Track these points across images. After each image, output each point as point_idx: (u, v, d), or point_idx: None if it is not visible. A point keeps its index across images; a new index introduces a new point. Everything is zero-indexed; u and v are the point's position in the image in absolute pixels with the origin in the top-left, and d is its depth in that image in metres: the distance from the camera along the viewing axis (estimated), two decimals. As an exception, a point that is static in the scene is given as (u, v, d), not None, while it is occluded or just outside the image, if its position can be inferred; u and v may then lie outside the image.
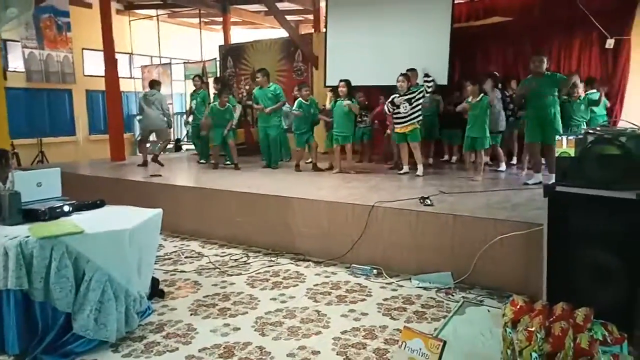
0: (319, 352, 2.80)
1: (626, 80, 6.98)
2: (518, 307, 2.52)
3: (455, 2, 7.90)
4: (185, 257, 4.74)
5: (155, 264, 3.78)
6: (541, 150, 5.45)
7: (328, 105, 6.82)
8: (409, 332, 2.34)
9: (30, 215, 3.07)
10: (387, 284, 3.90)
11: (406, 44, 7.96)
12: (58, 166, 3.86)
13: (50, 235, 2.73)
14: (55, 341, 2.74)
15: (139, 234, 3.08)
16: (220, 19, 13.00)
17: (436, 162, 7.65)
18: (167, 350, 2.85)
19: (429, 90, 6.22)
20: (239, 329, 3.12)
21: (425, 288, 3.77)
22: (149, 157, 7.84)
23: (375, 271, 4.11)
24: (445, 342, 2.22)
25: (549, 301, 2.64)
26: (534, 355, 2.08)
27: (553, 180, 2.89)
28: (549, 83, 5.30)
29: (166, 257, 4.76)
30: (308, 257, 4.59)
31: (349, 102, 6.44)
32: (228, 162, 7.79)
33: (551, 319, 2.36)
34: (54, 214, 3.13)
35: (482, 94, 5.87)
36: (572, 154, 2.77)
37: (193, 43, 13.43)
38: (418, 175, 6.14)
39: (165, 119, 8.04)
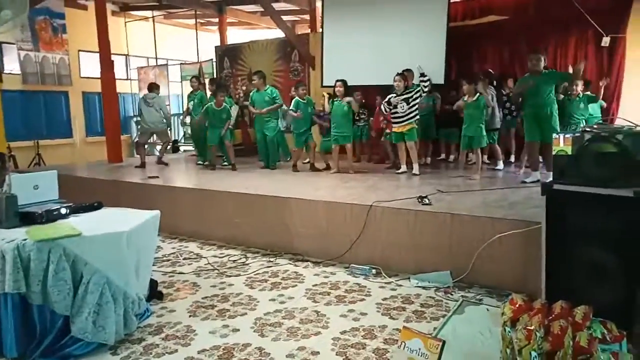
0: (318, 352, 2.79)
1: (622, 78, 7.01)
2: (517, 305, 2.53)
3: (451, 1, 7.90)
4: (184, 259, 4.73)
5: (153, 265, 3.78)
6: (540, 148, 5.46)
7: (327, 107, 6.81)
8: (408, 332, 2.34)
9: (27, 218, 3.06)
10: (386, 283, 3.90)
11: (402, 43, 7.96)
12: (55, 168, 3.85)
13: (48, 238, 2.72)
14: (54, 344, 2.73)
15: (136, 236, 3.07)
16: (216, 20, 12.98)
17: (434, 161, 7.67)
18: (166, 353, 2.84)
19: (426, 90, 6.24)
20: (238, 330, 3.12)
21: (424, 287, 3.77)
22: (147, 159, 7.82)
23: (374, 271, 4.11)
24: (444, 342, 2.22)
25: (548, 299, 2.64)
26: (534, 354, 2.08)
27: (551, 179, 2.89)
28: (547, 81, 5.31)
29: (164, 258, 4.74)
30: (307, 258, 4.59)
31: (349, 98, 6.45)
32: (225, 163, 7.78)
33: (550, 318, 2.36)
34: (51, 216, 3.12)
35: (478, 94, 5.88)
36: (570, 152, 2.78)
37: (189, 44, 13.39)
38: (414, 174, 6.15)
39: (165, 120, 8.06)
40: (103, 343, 2.82)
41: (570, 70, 6.04)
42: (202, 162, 8.20)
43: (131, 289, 3.02)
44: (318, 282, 3.98)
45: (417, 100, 6.22)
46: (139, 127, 8.94)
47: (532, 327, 2.17)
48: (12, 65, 10.78)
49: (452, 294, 3.61)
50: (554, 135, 2.91)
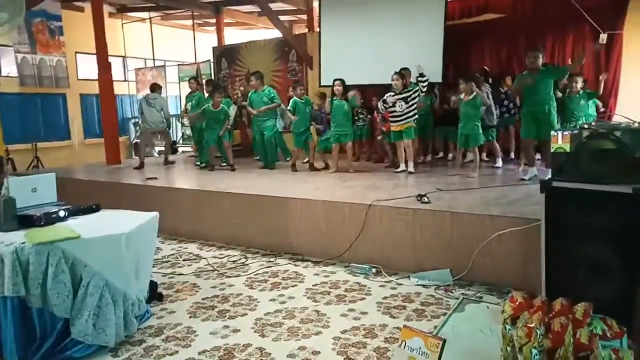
0: (319, 352, 2.79)
1: (619, 74, 7.01)
2: (517, 303, 2.52)
3: (448, -1, 7.92)
4: (184, 260, 4.72)
5: (153, 267, 3.78)
6: (537, 145, 5.47)
7: (327, 108, 6.82)
8: (409, 331, 2.33)
9: (25, 221, 3.05)
10: (386, 282, 3.90)
11: (400, 42, 7.96)
12: (53, 171, 3.85)
13: (47, 241, 2.72)
14: (54, 347, 2.73)
15: (135, 238, 3.07)
16: (214, 21, 12.95)
17: (432, 160, 7.67)
18: (167, 354, 2.84)
19: (424, 90, 6.24)
20: (238, 330, 3.12)
21: (424, 286, 3.77)
22: (146, 160, 7.81)
23: (374, 270, 4.11)
24: (445, 341, 2.21)
25: (548, 296, 2.64)
26: (534, 351, 2.08)
27: (550, 176, 2.89)
28: (545, 78, 5.31)
29: (164, 260, 4.74)
30: (306, 257, 4.59)
31: (352, 92, 6.48)
32: (224, 164, 7.78)
33: (550, 315, 2.36)
34: (49, 219, 3.11)
35: (474, 93, 5.90)
36: (568, 149, 2.78)
37: (186, 45, 13.38)
38: (410, 173, 6.15)
39: (165, 121, 8.08)
40: (103, 345, 2.82)
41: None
42: (200, 163, 8.20)
43: (131, 290, 3.02)
44: (318, 281, 3.98)
45: (416, 100, 6.23)
46: (138, 127, 8.92)
47: (532, 325, 2.17)
48: (9, 67, 10.76)
49: (452, 292, 3.61)
50: (552, 132, 2.91)
